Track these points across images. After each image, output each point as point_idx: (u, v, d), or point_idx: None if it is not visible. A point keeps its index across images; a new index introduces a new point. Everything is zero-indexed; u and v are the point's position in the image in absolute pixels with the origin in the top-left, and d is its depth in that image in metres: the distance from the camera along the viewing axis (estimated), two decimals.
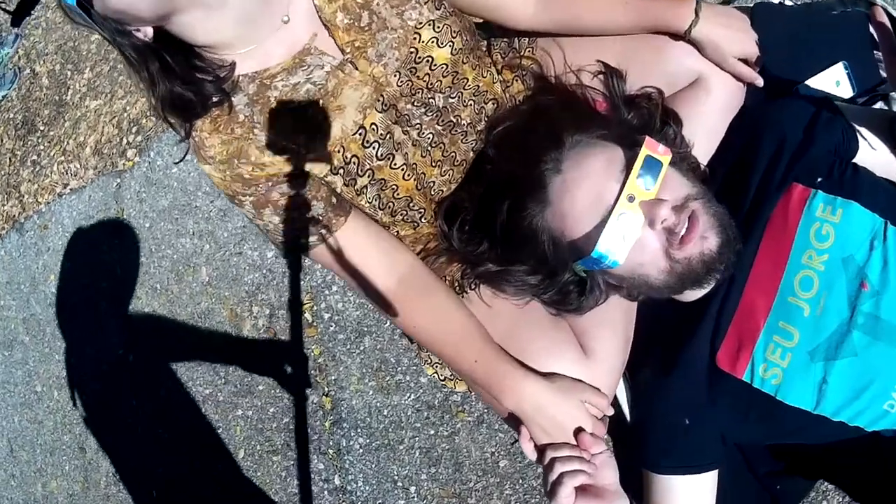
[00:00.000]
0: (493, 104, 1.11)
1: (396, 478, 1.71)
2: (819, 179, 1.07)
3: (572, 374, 1.02)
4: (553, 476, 0.99)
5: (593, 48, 1.11)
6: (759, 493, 1.28)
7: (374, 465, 1.73)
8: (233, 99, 0.92)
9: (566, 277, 1.05)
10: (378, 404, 1.74)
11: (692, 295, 1.10)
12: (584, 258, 0.97)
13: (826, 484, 1.38)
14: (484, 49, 1.14)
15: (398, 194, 1.04)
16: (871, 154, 1.19)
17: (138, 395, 2.09)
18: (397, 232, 1.11)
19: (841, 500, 1.37)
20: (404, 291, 0.99)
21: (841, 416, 1.01)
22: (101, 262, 2.31)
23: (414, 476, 1.70)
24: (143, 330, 2.13)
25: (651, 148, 0.94)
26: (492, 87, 1.10)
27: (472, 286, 1.08)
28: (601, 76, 1.11)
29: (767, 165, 1.13)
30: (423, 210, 1.10)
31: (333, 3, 0.93)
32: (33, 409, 2.25)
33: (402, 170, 1.01)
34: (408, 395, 1.70)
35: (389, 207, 1.05)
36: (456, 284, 1.10)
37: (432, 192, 1.09)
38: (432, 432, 1.67)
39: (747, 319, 1.05)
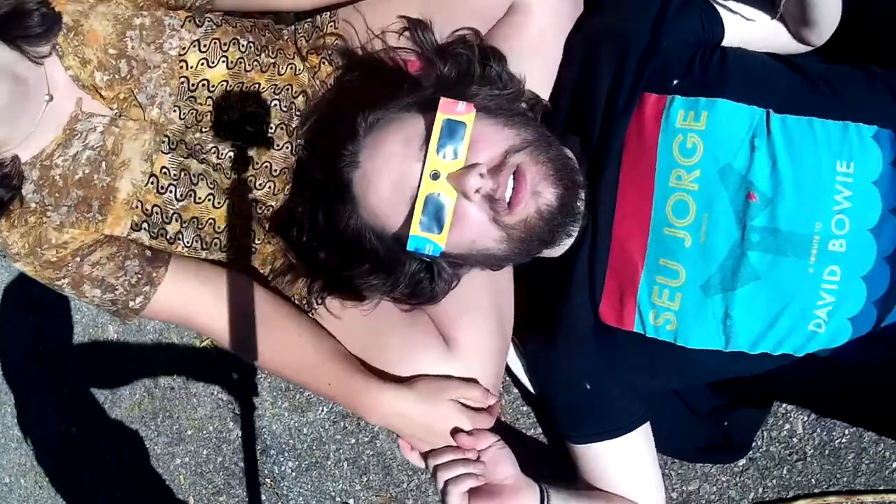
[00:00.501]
0: (303, 97, 1.03)
1: (333, 493, 1.62)
2: (675, 81, 0.91)
3: (439, 371, 0.95)
4: (439, 486, 0.91)
5: (393, 4, 1.01)
6: (707, 431, 1.21)
7: (309, 486, 1.65)
8: (22, 191, 0.90)
9: (409, 269, 0.94)
10: (296, 424, 1.64)
11: (557, 250, 0.98)
12: (406, 248, 0.87)
13: (785, 406, 1.24)
14: (286, 39, 1.05)
15: (219, 227, 0.98)
16: (747, 29, 1.00)
17: (89, 466, 2.05)
18: (238, 262, 1.04)
19: (806, 418, 1.22)
20: (241, 334, 0.95)
21: (761, 348, 0.90)
22: (16, 340, 2.26)
23: (349, 489, 1.61)
24: (75, 400, 2.08)
25: (447, 110, 0.82)
26: (295, 80, 1.02)
27: (320, 300, 1.00)
28: (407, 33, 1.00)
29: (612, 80, 0.97)
30: (252, 232, 1.03)
31: (88, 65, 0.89)
32: (7, 499, 2.24)
33: (209, 200, 0.96)
34: (320, 409, 1.60)
35: (216, 244, 0.99)
36: (304, 302, 1.03)
37: (257, 210, 1.02)
38: (353, 441, 1.57)
39: (623, 264, 0.93)
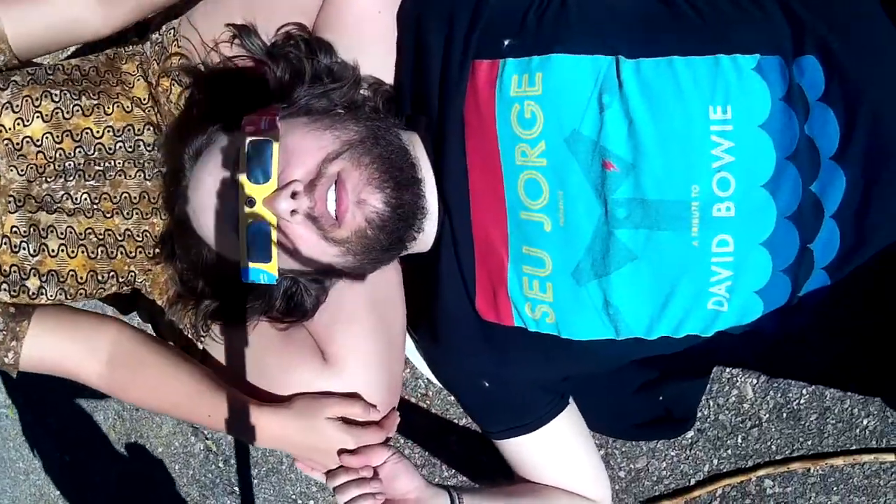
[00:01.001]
0: (150, 129, 0.99)
1: (294, 496, 1.57)
2: (506, 42, 0.77)
3: (318, 387, 0.90)
4: None
5: (218, 12, 0.96)
6: (644, 407, 1.08)
7: (272, 492, 1.60)
8: None
9: (280, 288, 0.87)
10: None
11: (422, 245, 0.86)
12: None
13: (729, 370, 1.09)
14: (116, 76, 1.01)
15: (80, 277, 0.95)
16: None
17: (87, 490, 2.09)
18: (118, 302, 1.05)
19: (756, 381, 1.05)
20: (113, 372, 0.91)
21: (659, 333, 0.77)
22: None
23: (307, 491, 1.55)
24: (60, 429, 2.12)
25: (250, 130, 0.74)
26: (131, 118, 0.98)
27: (205, 329, 0.96)
28: (236, 40, 0.93)
29: (443, 51, 0.83)
30: (113, 275, 0.98)
31: None
32: None
33: (63, 251, 0.93)
34: None
35: (81, 293, 0.96)
36: (191, 331, 1.00)
37: (136, 240, 0.98)
38: None
39: (489, 255, 0.81)
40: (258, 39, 0.90)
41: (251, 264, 0.76)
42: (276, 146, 0.73)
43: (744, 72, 0.69)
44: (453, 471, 1.33)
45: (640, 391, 1.03)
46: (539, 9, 0.76)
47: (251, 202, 0.73)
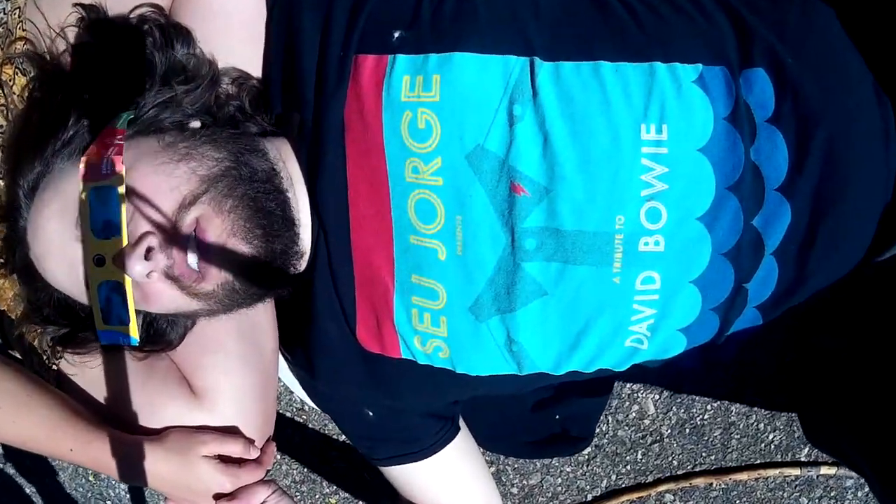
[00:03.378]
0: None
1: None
2: (397, 34, 0.61)
3: (193, 422, 0.79)
4: None
5: None
6: (538, 425, 0.96)
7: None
8: None
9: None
10: None
11: (295, 267, 0.71)
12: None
13: (630, 385, 0.96)
14: None
15: None
16: None
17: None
18: None
19: (658, 397, 0.94)
20: None
21: (567, 368, 0.66)
22: None
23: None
24: None
25: (91, 175, 0.59)
26: None
27: (58, 354, 0.82)
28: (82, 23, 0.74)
29: (320, 40, 0.66)
30: None
31: None
32: None
33: None
34: None
35: None
36: (46, 356, 0.86)
37: None
38: None
39: (371, 282, 0.67)
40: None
41: (107, 327, 0.65)
42: (121, 192, 0.58)
43: (683, 84, 0.55)
44: (335, 487, 1.17)
45: (535, 409, 0.93)
46: None
47: (100, 260, 0.60)
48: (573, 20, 0.58)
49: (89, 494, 1.54)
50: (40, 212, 0.64)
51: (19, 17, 0.86)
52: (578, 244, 0.58)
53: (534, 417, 0.96)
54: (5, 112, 0.85)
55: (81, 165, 0.59)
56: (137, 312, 0.66)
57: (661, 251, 0.57)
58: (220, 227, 0.60)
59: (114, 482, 1.45)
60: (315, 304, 0.71)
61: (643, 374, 0.91)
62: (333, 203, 0.66)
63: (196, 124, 0.67)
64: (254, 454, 0.80)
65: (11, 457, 1.67)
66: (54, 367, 0.85)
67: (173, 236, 0.60)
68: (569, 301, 0.61)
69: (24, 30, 0.85)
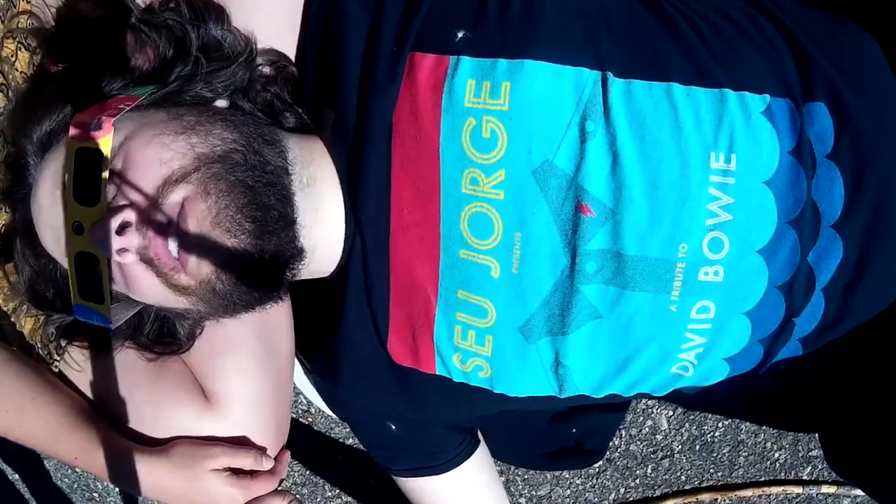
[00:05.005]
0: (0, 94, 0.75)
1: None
2: (460, 34, 0.56)
3: (201, 431, 0.74)
4: None
5: None
6: (553, 438, 0.93)
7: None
8: None
9: (148, 314, 0.68)
10: None
11: (322, 270, 0.65)
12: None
13: (645, 401, 0.97)
14: None
15: None
16: None
17: None
18: None
19: (672, 413, 0.93)
20: None
21: (608, 391, 0.64)
22: None
23: None
24: None
25: (80, 134, 0.54)
26: None
27: (60, 351, 0.76)
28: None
29: (368, 36, 0.60)
30: None
31: None
32: None
33: None
34: None
35: None
36: (46, 351, 0.80)
37: None
38: None
39: (410, 292, 0.62)
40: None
41: (82, 301, 0.59)
42: (106, 159, 0.53)
43: (752, 114, 0.53)
44: (337, 490, 1.14)
45: (552, 422, 0.91)
46: None
47: (79, 228, 0.55)
48: (644, 36, 0.56)
49: (75, 486, 1.47)
50: (43, 171, 0.60)
51: None
52: (639, 270, 0.56)
53: (550, 430, 0.94)
54: (6, 91, 0.78)
55: (74, 120, 0.55)
56: (131, 301, 0.61)
57: (719, 282, 0.56)
58: (204, 213, 0.53)
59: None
60: (344, 311, 0.65)
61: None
62: (373, 207, 0.61)
63: (223, 103, 0.62)
64: (267, 465, 0.75)
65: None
66: (55, 367, 0.79)
67: (154, 215, 0.54)
68: (622, 326, 0.58)
69: (28, 2, 0.79)
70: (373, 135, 0.59)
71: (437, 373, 0.65)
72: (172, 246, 0.53)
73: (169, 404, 0.73)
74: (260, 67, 0.66)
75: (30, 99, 0.67)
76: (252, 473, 0.74)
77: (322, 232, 0.61)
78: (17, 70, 0.79)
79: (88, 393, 0.79)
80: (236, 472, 0.73)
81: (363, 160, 0.60)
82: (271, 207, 0.55)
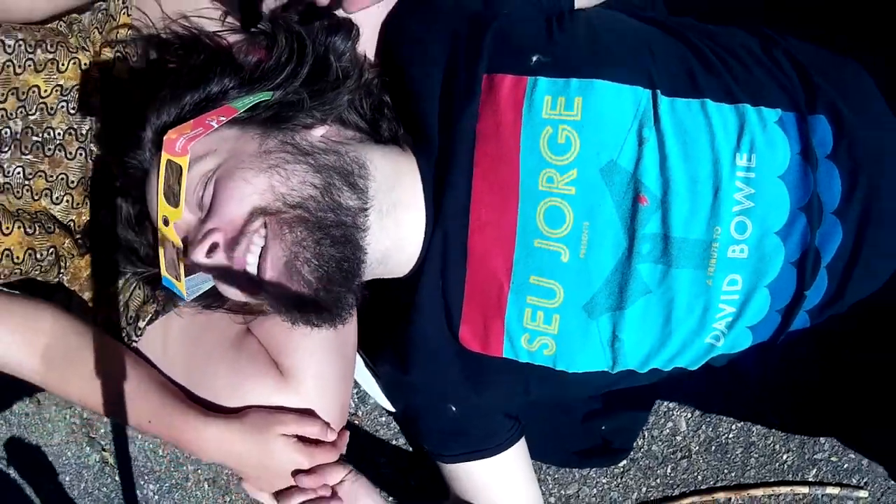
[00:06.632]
0: (98, 96, 0.84)
1: None
2: (535, 58, 0.68)
3: (272, 402, 0.79)
4: None
5: None
6: (584, 436, 1.03)
7: None
8: None
9: None
10: (152, 445, 1.36)
11: (399, 270, 0.75)
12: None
13: (666, 403, 1.05)
14: (68, 31, 0.85)
15: (17, 256, 0.80)
16: None
17: None
18: (44, 288, 0.87)
19: (690, 415, 1.02)
20: (48, 367, 0.78)
21: (652, 365, 0.73)
22: None
23: None
24: None
25: (169, 149, 0.64)
26: (85, 77, 0.84)
27: (137, 332, 0.84)
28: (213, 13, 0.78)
29: (448, 60, 0.72)
30: (52, 251, 0.83)
31: None
32: None
33: None
34: None
35: (17, 273, 0.81)
36: (130, 324, 0.87)
37: (63, 226, 0.85)
38: None
39: (484, 283, 0.72)
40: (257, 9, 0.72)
41: (167, 274, 0.69)
42: (183, 175, 0.63)
43: (768, 124, 0.68)
44: (378, 489, 1.20)
45: (584, 420, 0.99)
46: (562, 28, 0.70)
47: (165, 221, 0.66)
48: (681, 62, 0.69)
49: (112, 495, 1.50)
50: (151, 167, 0.70)
51: (123, 3, 0.88)
52: (683, 250, 0.67)
53: (582, 428, 1.01)
54: (98, 96, 0.85)
55: (166, 137, 0.64)
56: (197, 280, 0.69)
57: (745, 258, 0.67)
58: (275, 260, 0.63)
59: (140, 482, 1.43)
60: (420, 307, 0.73)
61: (679, 385, 1.00)
62: (453, 210, 0.70)
63: (320, 131, 0.69)
64: (331, 437, 0.80)
65: (14, 458, 1.63)
66: (134, 343, 0.85)
67: (235, 247, 0.64)
68: (667, 299, 0.68)
69: (129, 17, 0.87)
70: (458, 148, 0.69)
71: (504, 356, 0.73)
72: (254, 261, 0.64)
73: (248, 376, 0.79)
74: (367, 76, 0.73)
75: (148, 95, 0.75)
76: (316, 444, 0.79)
77: (399, 246, 0.71)
78: (112, 76, 0.86)
79: (165, 367, 0.84)
80: (303, 441, 0.77)
81: (448, 173, 0.70)
82: (337, 260, 0.64)
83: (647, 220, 0.66)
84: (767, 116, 0.67)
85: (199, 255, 0.63)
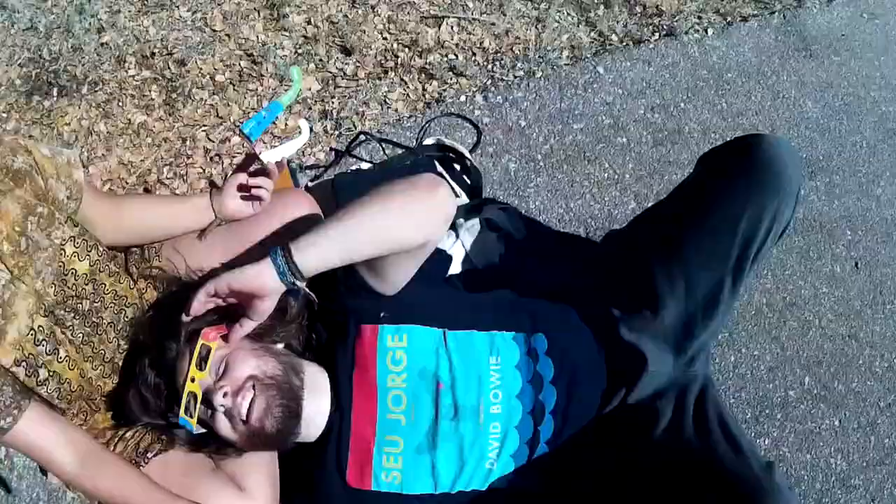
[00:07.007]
0: (133, 309, 1.25)
1: None
2: (382, 314, 1.19)
3: None
4: None
5: (210, 254, 1.26)
6: None
7: None
8: None
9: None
10: None
11: (311, 436, 1.19)
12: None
13: None
14: (121, 261, 1.30)
15: (73, 386, 1.14)
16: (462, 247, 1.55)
17: None
18: (73, 420, 1.20)
19: None
20: (84, 465, 1.08)
21: (458, 487, 1.17)
22: None
23: None
24: None
25: (204, 336, 1.11)
26: (130, 293, 1.25)
27: (146, 459, 1.18)
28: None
29: (342, 316, 1.22)
30: (93, 400, 1.21)
31: None
32: None
33: (66, 362, 1.13)
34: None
35: (66, 398, 1.14)
36: (140, 455, 1.20)
37: (93, 386, 1.20)
38: None
39: (360, 443, 1.17)
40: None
41: (183, 415, 1.11)
42: (212, 353, 1.10)
43: (507, 340, 1.21)
44: None
45: None
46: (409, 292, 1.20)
47: (192, 379, 1.10)
48: (460, 312, 1.21)
49: None
50: (184, 348, 1.12)
51: (155, 252, 1.30)
52: (465, 410, 1.15)
53: None
54: (136, 311, 1.25)
55: (204, 330, 1.11)
56: (202, 422, 1.12)
57: (500, 412, 1.16)
58: (260, 407, 1.08)
59: None
60: (323, 460, 1.17)
61: None
62: (345, 400, 1.17)
63: (280, 346, 1.19)
64: None
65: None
66: (141, 468, 1.17)
67: (238, 394, 1.08)
68: (459, 441, 1.14)
69: (160, 261, 1.30)
70: (345, 366, 1.19)
71: (372, 488, 1.15)
72: (243, 410, 1.08)
73: (218, 491, 1.16)
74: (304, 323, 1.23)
75: (168, 313, 1.14)
76: None
77: (317, 412, 1.17)
78: (144, 300, 1.28)
79: (165, 485, 1.14)
80: None
81: (339, 380, 1.18)
82: (290, 409, 1.11)
83: (444, 396, 1.15)
84: (507, 336, 1.21)
85: (219, 398, 1.06)
